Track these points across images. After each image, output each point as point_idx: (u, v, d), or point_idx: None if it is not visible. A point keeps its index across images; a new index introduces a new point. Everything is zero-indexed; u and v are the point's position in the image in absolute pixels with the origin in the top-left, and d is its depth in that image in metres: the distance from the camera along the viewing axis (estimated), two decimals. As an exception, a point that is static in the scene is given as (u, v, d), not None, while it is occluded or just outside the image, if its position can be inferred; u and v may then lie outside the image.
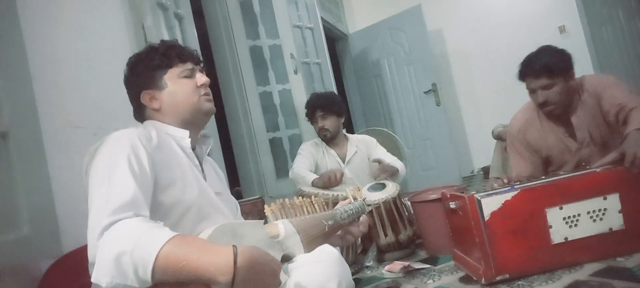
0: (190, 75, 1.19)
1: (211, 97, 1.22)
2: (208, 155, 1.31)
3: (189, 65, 1.19)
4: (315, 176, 2.31)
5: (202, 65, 1.25)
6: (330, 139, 2.57)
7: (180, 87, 1.17)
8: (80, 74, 1.72)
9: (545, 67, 1.79)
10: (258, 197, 2.44)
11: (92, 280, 0.83)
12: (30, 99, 1.35)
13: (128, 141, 0.99)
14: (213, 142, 1.34)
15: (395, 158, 2.56)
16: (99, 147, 1.00)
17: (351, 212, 1.29)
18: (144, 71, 1.17)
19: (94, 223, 0.86)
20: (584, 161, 1.87)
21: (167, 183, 1.03)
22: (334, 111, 2.56)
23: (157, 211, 0.99)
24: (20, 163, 1.27)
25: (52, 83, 1.57)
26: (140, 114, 1.22)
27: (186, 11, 2.49)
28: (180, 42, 2.29)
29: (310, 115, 2.59)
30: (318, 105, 2.54)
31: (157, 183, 1.00)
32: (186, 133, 1.16)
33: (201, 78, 1.20)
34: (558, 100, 1.81)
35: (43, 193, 1.33)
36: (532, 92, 1.87)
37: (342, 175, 2.21)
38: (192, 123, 1.18)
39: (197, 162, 1.18)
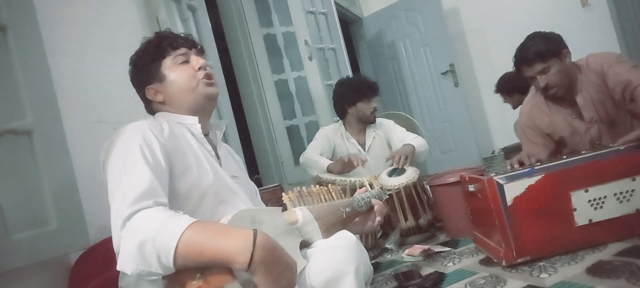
0: (186, 60, 1.18)
1: (213, 80, 1.20)
2: (225, 141, 1.32)
3: (182, 50, 1.18)
4: (329, 161, 2.28)
5: (198, 47, 1.24)
6: (374, 121, 2.56)
7: (178, 74, 1.16)
8: (98, 70, 1.75)
9: (536, 52, 1.80)
10: (277, 184, 2.46)
11: (118, 268, 0.86)
12: (51, 98, 1.39)
13: (139, 133, 1.01)
14: (227, 128, 1.34)
15: (414, 135, 2.53)
16: (113, 142, 1.02)
17: (368, 199, 1.29)
18: (142, 67, 1.19)
19: (115, 215, 0.89)
20: (596, 140, 1.86)
21: (182, 170, 1.05)
22: (378, 93, 2.59)
23: (175, 198, 1.01)
24: (45, 161, 1.31)
25: (72, 81, 1.61)
26: (150, 108, 1.24)
27: (199, 2, 2.50)
28: (194, 34, 2.32)
29: (360, 97, 2.49)
30: (371, 85, 2.52)
31: (172, 171, 1.02)
32: (195, 119, 1.17)
33: (198, 61, 1.18)
34: (559, 81, 1.81)
35: (68, 188, 1.37)
36: (532, 79, 1.88)
37: (362, 161, 2.18)
38: (197, 110, 1.18)
39: (210, 148, 1.19)
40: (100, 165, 1.04)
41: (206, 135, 1.21)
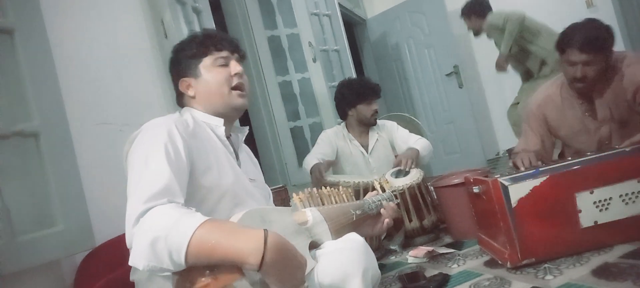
0: (225, 64, 1.20)
1: (244, 91, 1.22)
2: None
3: (224, 53, 1.20)
4: (315, 161, 2.24)
5: (241, 54, 1.26)
6: (375, 123, 2.55)
7: (213, 76, 1.18)
8: (104, 72, 1.76)
9: (593, 40, 1.68)
10: (281, 185, 2.46)
11: (130, 263, 0.87)
12: (58, 100, 1.40)
13: (165, 129, 1.02)
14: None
15: (417, 137, 2.52)
16: (138, 135, 1.04)
17: (379, 202, 1.30)
18: (182, 59, 1.21)
19: (130, 210, 0.90)
20: (605, 140, 1.84)
21: (204, 169, 1.06)
22: (380, 95, 2.58)
23: (196, 195, 1.02)
24: (51, 162, 1.32)
25: (78, 83, 1.62)
26: (180, 100, 1.26)
27: (204, 4, 2.51)
28: (199, 36, 2.33)
29: (360, 99, 2.48)
30: (372, 88, 2.51)
31: (194, 168, 1.03)
32: (221, 121, 1.18)
33: (235, 67, 1.20)
34: (593, 78, 1.73)
35: (74, 190, 1.38)
36: (570, 64, 1.75)
37: (320, 172, 2.14)
38: (223, 114, 1.20)
39: (232, 150, 1.20)
40: (123, 156, 1.05)
41: (228, 137, 1.22)
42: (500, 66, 3.59)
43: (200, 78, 1.19)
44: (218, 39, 1.22)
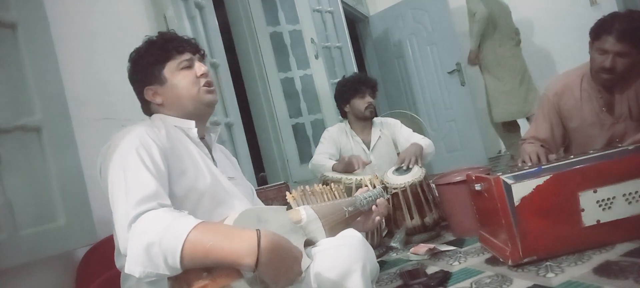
0: (189, 66, 1.18)
1: (213, 87, 1.21)
2: (223, 143, 1.32)
3: (187, 56, 1.18)
4: (334, 161, 2.30)
5: (201, 53, 1.24)
6: (371, 117, 2.55)
7: (179, 80, 1.16)
8: (106, 67, 1.76)
9: (634, 31, 1.61)
10: (282, 182, 2.46)
11: (126, 270, 0.86)
12: (60, 95, 1.40)
13: (137, 138, 1.01)
14: (234, 125, 1.34)
15: (421, 137, 2.52)
16: (110, 147, 1.03)
17: (370, 198, 1.30)
18: (144, 67, 1.18)
19: (121, 217, 0.89)
20: (617, 137, 1.81)
21: (179, 174, 1.05)
22: (376, 89, 2.57)
23: (173, 201, 1.01)
24: (53, 157, 1.32)
25: (81, 77, 1.62)
26: (147, 108, 1.24)
27: (206, 0, 2.51)
28: (201, 32, 2.33)
29: (352, 94, 2.50)
30: (364, 82, 2.52)
31: (170, 173, 1.03)
32: (192, 123, 1.17)
33: (200, 68, 1.19)
34: (621, 72, 1.68)
35: (76, 184, 1.38)
36: (601, 53, 1.69)
37: (364, 163, 2.19)
38: (196, 115, 1.19)
39: (206, 151, 1.20)
40: (97, 169, 1.05)
41: (202, 138, 1.21)
42: (471, 60, 3.68)
43: (167, 84, 1.16)
44: (178, 41, 1.19)
